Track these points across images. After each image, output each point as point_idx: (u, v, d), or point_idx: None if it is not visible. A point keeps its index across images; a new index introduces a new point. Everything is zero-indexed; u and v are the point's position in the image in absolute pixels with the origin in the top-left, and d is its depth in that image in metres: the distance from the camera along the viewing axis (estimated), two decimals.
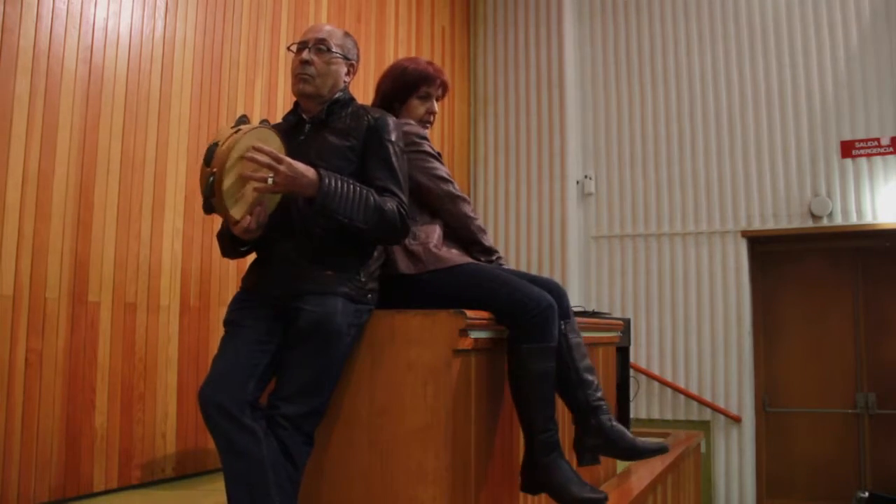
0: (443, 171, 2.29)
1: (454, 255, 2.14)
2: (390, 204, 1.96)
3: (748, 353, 5.62)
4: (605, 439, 2.11)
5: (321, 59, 2.08)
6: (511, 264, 5.87)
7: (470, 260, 2.18)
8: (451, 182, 2.29)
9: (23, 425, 2.56)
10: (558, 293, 2.23)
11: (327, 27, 2.15)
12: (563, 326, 2.16)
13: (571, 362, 2.15)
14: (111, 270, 2.93)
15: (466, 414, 1.99)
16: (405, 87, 2.33)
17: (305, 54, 2.07)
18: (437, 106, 2.39)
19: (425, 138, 2.30)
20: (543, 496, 2.12)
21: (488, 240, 2.33)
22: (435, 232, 2.19)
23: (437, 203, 2.26)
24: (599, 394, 2.17)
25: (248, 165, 1.80)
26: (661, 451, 2.18)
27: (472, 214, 2.29)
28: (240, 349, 1.89)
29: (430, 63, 2.39)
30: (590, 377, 2.17)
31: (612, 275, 6.04)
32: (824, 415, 5.69)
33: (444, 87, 2.38)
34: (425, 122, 2.37)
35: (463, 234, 2.29)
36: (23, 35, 2.63)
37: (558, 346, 2.13)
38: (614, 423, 2.14)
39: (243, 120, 1.92)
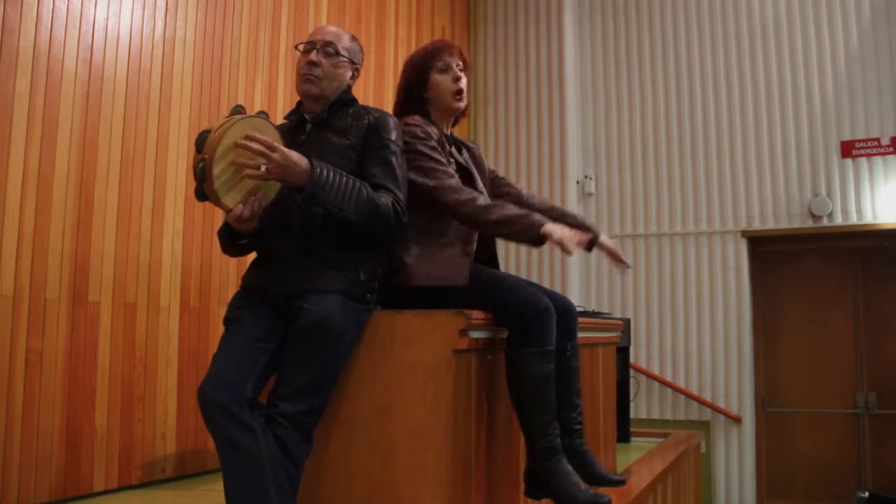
0: (436, 165, 2.12)
1: (447, 274, 2.06)
2: (385, 199, 1.95)
3: (748, 353, 5.62)
4: (576, 460, 2.18)
5: (328, 62, 2.08)
6: (511, 265, 5.92)
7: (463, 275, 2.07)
8: (441, 176, 2.10)
9: (23, 425, 2.56)
10: (568, 314, 2.24)
11: (334, 29, 2.15)
12: (567, 348, 2.21)
13: (567, 384, 2.22)
14: (111, 270, 2.93)
15: (466, 414, 1.99)
16: (418, 67, 2.27)
17: (313, 55, 2.07)
18: (463, 77, 2.26)
19: (420, 137, 2.14)
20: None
21: (483, 209, 2.06)
22: (434, 242, 2.11)
23: (433, 198, 2.10)
24: (581, 418, 2.27)
25: (242, 153, 1.79)
26: (620, 483, 2.26)
27: (463, 199, 2.06)
28: (239, 347, 1.89)
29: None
30: (578, 401, 2.26)
31: (612, 275, 6.03)
32: (824, 415, 5.68)
33: (460, 54, 2.28)
34: (458, 94, 2.25)
35: (466, 223, 2.12)
36: (23, 35, 2.63)
37: (559, 367, 2.13)
38: (587, 448, 2.25)
39: (238, 109, 1.91)
